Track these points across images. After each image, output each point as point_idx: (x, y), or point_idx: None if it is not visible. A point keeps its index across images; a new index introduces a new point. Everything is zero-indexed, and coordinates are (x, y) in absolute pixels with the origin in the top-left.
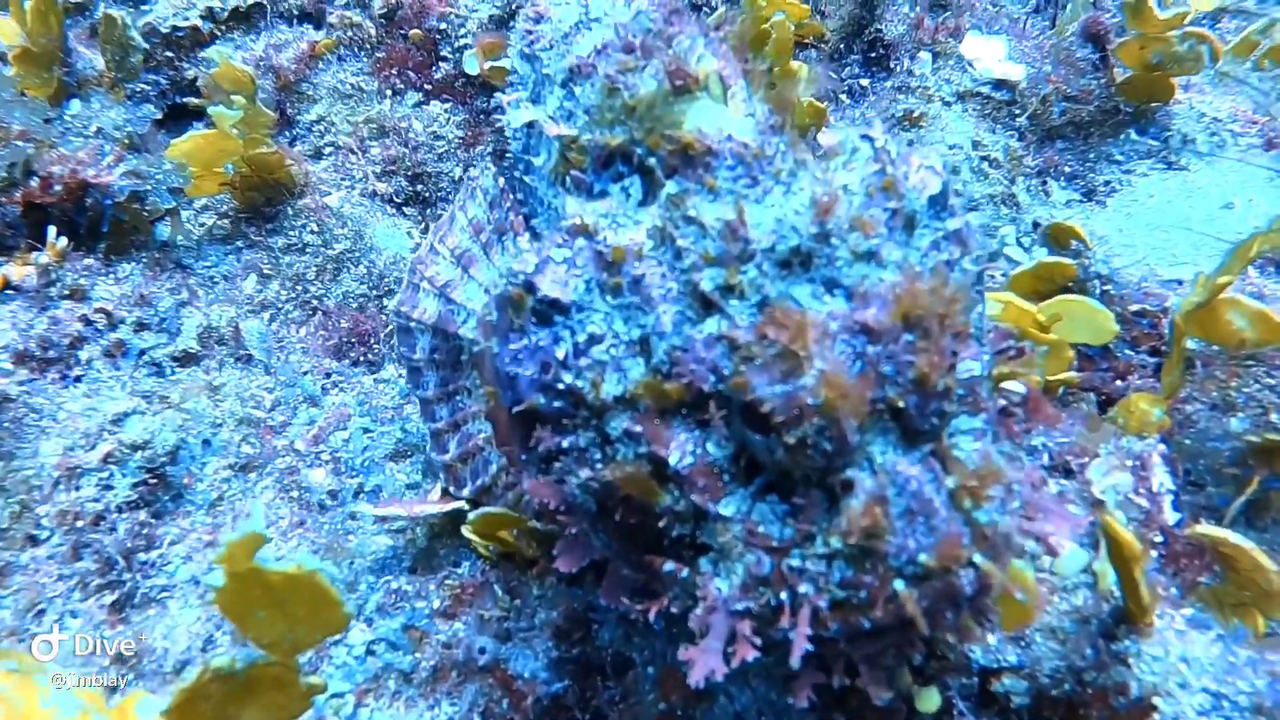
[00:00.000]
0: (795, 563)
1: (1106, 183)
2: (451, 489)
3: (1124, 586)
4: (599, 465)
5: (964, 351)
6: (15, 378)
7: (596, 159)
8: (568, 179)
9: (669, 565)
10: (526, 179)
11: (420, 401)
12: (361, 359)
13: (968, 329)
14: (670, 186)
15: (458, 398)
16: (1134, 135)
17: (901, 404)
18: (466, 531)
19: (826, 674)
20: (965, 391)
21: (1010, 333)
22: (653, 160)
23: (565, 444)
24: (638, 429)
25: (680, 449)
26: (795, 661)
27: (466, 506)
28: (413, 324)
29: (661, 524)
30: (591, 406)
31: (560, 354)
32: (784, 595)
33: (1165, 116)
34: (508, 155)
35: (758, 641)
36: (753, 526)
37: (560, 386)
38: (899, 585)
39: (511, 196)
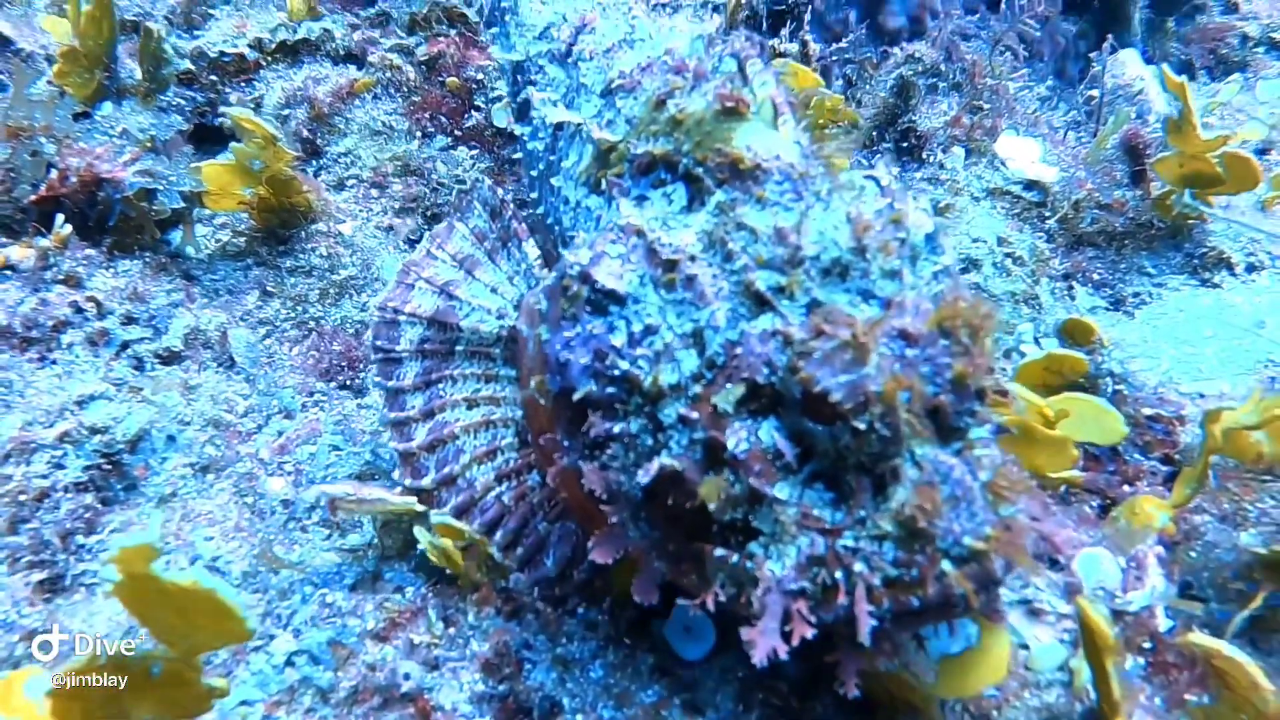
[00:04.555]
0: (849, 543)
1: (1136, 294)
2: (408, 480)
3: (1096, 682)
4: (650, 452)
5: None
6: None
7: (636, 165)
8: (603, 182)
9: (720, 551)
10: (552, 180)
11: (388, 392)
12: (349, 383)
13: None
14: (720, 195)
15: (438, 385)
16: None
17: (940, 401)
18: (419, 533)
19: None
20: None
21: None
22: (700, 170)
23: (616, 429)
24: (694, 416)
25: (736, 435)
26: (864, 637)
27: (418, 508)
28: (403, 317)
29: (713, 507)
30: (646, 393)
31: (617, 342)
32: (838, 574)
33: (1201, 234)
34: (519, 154)
35: (813, 620)
36: (807, 509)
37: (615, 373)
38: (946, 565)
39: (511, 207)
